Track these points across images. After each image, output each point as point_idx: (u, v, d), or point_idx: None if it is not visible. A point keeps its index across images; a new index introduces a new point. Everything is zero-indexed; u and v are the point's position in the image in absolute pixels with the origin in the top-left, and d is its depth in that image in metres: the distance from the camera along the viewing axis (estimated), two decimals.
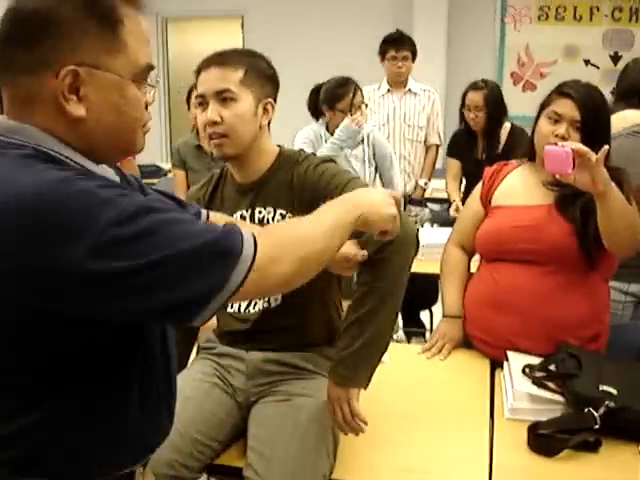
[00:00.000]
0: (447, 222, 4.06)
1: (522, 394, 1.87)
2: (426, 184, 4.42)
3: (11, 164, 1.01)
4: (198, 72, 1.76)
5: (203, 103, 1.74)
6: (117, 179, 1.22)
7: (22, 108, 1.07)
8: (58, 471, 1.12)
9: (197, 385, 1.81)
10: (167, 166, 7.04)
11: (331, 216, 1.22)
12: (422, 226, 3.70)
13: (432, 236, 3.48)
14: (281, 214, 1.79)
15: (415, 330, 3.97)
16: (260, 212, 1.82)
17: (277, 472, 1.55)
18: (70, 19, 1.04)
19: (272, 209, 1.80)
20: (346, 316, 1.67)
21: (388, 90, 4.34)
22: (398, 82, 4.32)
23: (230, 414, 1.78)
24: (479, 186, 2.38)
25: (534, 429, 1.73)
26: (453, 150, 4.17)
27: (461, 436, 1.79)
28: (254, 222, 1.80)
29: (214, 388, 1.82)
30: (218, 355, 1.90)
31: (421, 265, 3.29)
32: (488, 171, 2.39)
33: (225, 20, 8.81)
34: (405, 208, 3.84)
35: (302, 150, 1.87)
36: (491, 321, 2.18)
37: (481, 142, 3.93)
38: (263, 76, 1.77)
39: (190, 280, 1.01)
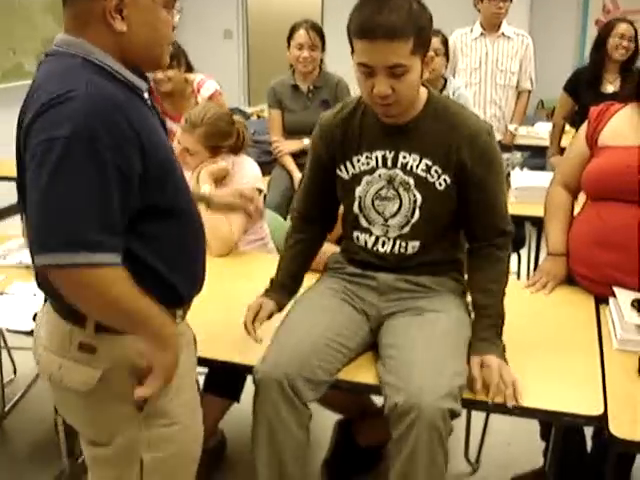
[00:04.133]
0: (536, 168, 4.09)
1: (631, 326, 1.93)
2: (516, 129, 4.42)
3: (63, 67, 1.33)
4: (357, 38, 1.67)
5: (370, 72, 1.68)
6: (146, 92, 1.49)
7: (79, 25, 1.36)
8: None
9: (327, 300, 1.94)
10: (247, 109, 7.16)
11: (156, 322, 1.42)
12: (513, 169, 3.72)
13: (522, 179, 3.52)
14: (427, 164, 1.83)
15: None
16: (405, 157, 1.85)
17: (418, 375, 1.65)
18: None
19: (418, 157, 1.83)
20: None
21: (481, 34, 4.32)
22: (493, 24, 4.29)
23: (360, 327, 1.88)
24: (584, 126, 2.40)
25: None
26: (572, 86, 4.26)
27: (573, 364, 1.87)
28: (396, 166, 1.85)
29: (344, 303, 1.94)
30: (349, 274, 2.00)
31: (513, 207, 3.30)
32: (594, 111, 2.40)
33: None
34: None
35: (456, 102, 1.95)
36: (596, 258, 2.22)
37: (612, 76, 4.03)
38: (426, 34, 1.70)
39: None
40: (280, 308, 1.99)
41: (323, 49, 3.80)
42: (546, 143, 4.60)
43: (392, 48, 1.62)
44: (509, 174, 3.65)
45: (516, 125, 4.41)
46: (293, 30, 3.76)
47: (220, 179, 2.70)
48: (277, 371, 1.72)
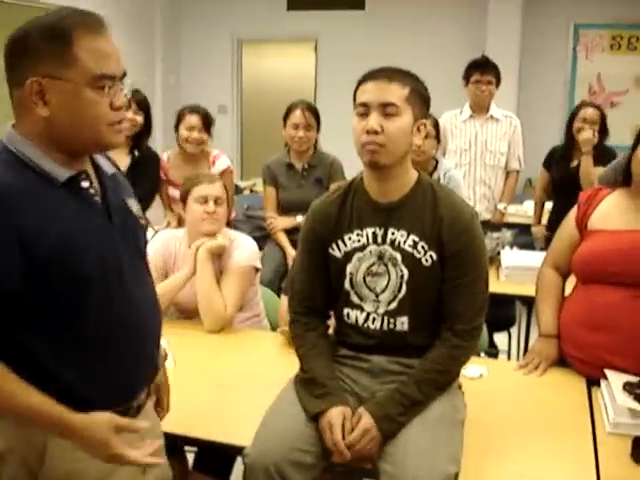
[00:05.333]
0: (526, 245, 4.16)
1: (624, 409, 1.94)
2: (505, 208, 4.50)
3: None
4: (362, 82, 1.87)
5: (364, 113, 1.83)
6: (112, 170, 1.57)
7: (16, 113, 1.41)
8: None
9: None
10: (241, 183, 7.25)
11: (34, 408, 1.34)
12: (503, 248, 3.77)
13: (513, 258, 3.56)
14: (414, 240, 1.88)
15: (491, 351, 4.02)
16: (393, 233, 1.90)
17: (412, 463, 1.66)
18: (34, 43, 1.35)
19: (406, 233, 1.89)
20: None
21: (470, 116, 4.44)
22: (481, 107, 4.41)
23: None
24: (574, 210, 2.46)
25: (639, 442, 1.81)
26: (548, 162, 4.55)
27: (566, 447, 1.87)
28: (385, 242, 1.90)
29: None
30: (341, 356, 2.00)
31: (501, 286, 3.39)
32: (583, 195, 2.46)
33: (299, 43, 9.03)
34: (485, 233, 3.91)
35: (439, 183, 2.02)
36: (587, 340, 2.25)
37: (580, 153, 4.21)
38: (422, 98, 1.89)
39: None
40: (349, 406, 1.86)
41: (318, 129, 3.90)
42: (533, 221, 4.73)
43: (389, 88, 1.82)
44: (499, 253, 3.70)
45: (505, 204, 4.49)
46: (289, 110, 3.87)
47: (218, 255, 2.73)
48: (265, 458, 1.71)
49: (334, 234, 1.95)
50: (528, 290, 3.27)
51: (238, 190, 6.44)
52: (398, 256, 1.89)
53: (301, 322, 2.03)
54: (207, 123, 3.96)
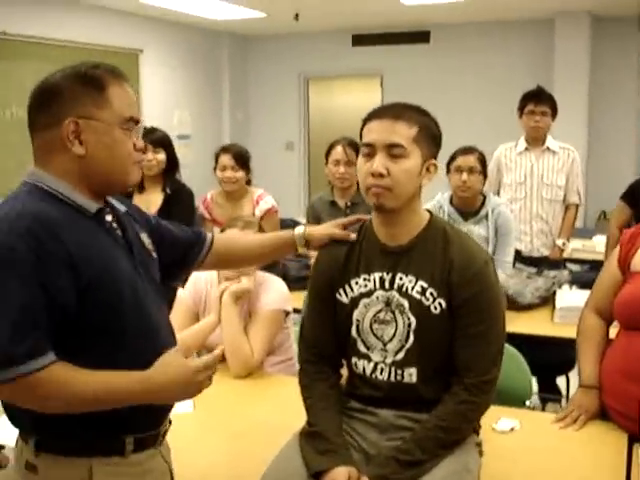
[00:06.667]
0: (588, 284, 3.93)
1: None
2: (564, 244, 4.30)
3: (13, 195, 1.45)
4: (367, 120, 1.78)
5: (370, 153, 1.75)
6: (124, 208, 1.62)
7: (42, 155, 1.48)
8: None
9: None
10: (305, 220, 7.23)
11: (123, 390, 1.44)
12: (560, 287, 3.58)
13: (570, 299, 3.37)
14: (422, 287, 1.77)
15: (551, 397, 3.81)
16: (401, 279, 1.79)
17: None
18: (70, 87, 1.46)
19: (414, 278, 1.78)
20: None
21: (526, 148, 4.28)
22: (536, 138, 4.25)
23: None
24: (617, 250, 2.30)
25: None
26: (630, 196, 4.12)
27: None
28: (393, 288, 1.79)
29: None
30: (349, 409, 1.89)
31: (558, 329, 3.20)
32: (626, 234, 2.30)
33: (364, 79, 9.03)
34: (542, 271, 3.74)
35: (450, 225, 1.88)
36: (630, 393, 2.07)
37: None
38: (432, 136, 1.78)
39: None
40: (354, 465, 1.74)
41: None
42: (603, 257, 4.44)
43: (396, 128, 1.72)
44: (555, 293, 3.51)
45: (564, 240, 4.28)
46: (331, 147, 3.82)
47: (244, 298, 2.67)
48: None
49: (341, 279, 1.86)
50: None
51: None
52: (405, 303, 1.77)
53: (310, 371, 1.92)
54: (241, 160, 3.95)
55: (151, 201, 3.61)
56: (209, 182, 4.41)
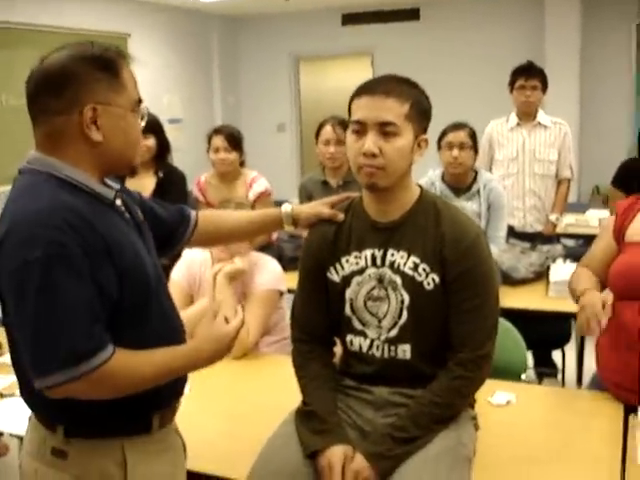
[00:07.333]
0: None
1: None
2: (557, 219, 4.29)
3: (28, 184, 1.40)
4: (356, 96, 1.73)
5: (360, 131, 1.70)
6: (117, 185, 1.56)
7: (52, 142, 1.42)
8: None
9: None
10: (297, 201, 7.22)
11: (179, 364, 1.50)
12: (554, 262, 3.57)
13: (564, 272, 3.35)
14: (414, 262, 1.75)
15: (547, 370, 3.83)
16: (392, 255, 1.77)
17: None
18: (85, 72, 1.40)
19: (406, 254, 1.76)
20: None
21: (517, 123, 4.25)
22: (527, 113, 4.23)
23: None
24: (612, 220, 2.29)
25: None
26: (621, 181, 4.10)
27: (592, 477, 1.73)
28: (384, 264, 1.78)
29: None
30: (344, 387, 1.88)
31: (553, 303, 3.20)
32: (621, 205, 2.30)
33: (355, 58, 8.98)
34: (535, 245, 3.74)
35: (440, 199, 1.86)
36: (625, 363, 2.08)
37: None
38: (423, 111, 1.74)
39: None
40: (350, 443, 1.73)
41: None
42: (597, 231, 4.42)
43: (387, 104, 1.67)
44: (549, 267, 3.51)
45: (557, 215, 4.27)
46: (320, 127, 3.79)
47: (237, 278, 2.67)
48: None
49: (331, 257, 1.85)
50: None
51: None
52: (398, 279, 1.76)
53: (303, 350, 1.92)
54: (234, 142, 3.93)
55: (143, 185, 3.58)
56: (201, 165, 4.39)
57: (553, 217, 4.26)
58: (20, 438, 3.03)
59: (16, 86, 5.95)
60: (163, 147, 3.78)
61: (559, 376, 3.81)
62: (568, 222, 4.81)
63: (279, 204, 2.81)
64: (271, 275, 2.73)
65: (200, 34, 8.51)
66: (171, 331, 1.57)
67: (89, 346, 1.34)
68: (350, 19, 8.40)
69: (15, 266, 1.32)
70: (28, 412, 1.68)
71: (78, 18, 6.63)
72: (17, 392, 2.25)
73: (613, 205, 4.10)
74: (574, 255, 3.96)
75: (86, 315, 1.35)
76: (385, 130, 1.68)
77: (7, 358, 2.60)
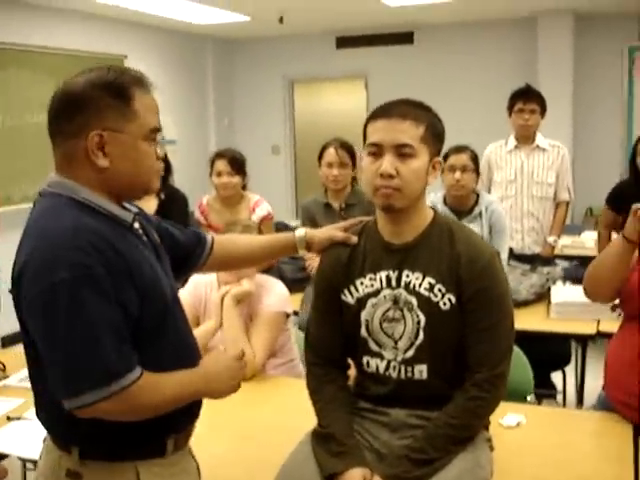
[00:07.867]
0: (579, 279, 3.94)
1: None
2: (555, 241, 4.33)
3: (49, 207, 1.42)
4: (372, 119, 1.77)
5: (377, 153, 1.74)
6: (135, 209, 1.58)
7: (66, 163, 1.45)
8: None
9: None
10: (294, 223, 7.23)
11: (193, 389, 1.52)
12: (554, 283, 3.60)
13: (565, 294, 3.39)
14: (430, 283, 1.76)
15: (546, 392, 3.84)
16: (408, 276, 1.78)
17: None
18: (96, 97, 1.41)
19: (421, 275, 1.77)
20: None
21: (516, 146, 4.30)
22: (525, 136, 4.27)
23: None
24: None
25: None
26: (614, 202, 4.14)
27: None
28: (399, 285, 1.79)
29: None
30: (360, 409, 1.89)
31: (554, 324, 3.23)
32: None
33: (349, 81, 9.04)
34: (535, 267, 3.77)
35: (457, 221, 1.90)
36: (635, 384, 2.09)
37: None
38: (437, 134, 1.79)
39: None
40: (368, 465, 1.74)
41: (354, 166, 3.82)
42: (592, 253, 4.46)
43: (403, 127, 1.71)
44: (549, 289, 3.54)
45: (555, 237, 4.31)
46: (323, 149, 3.80)
47: (244, 301, 2.68)
48: None
49: (345, 280, 1.86)
50: (580, 327, 3.14)
51: (291, 230, 6.39)
52: (414, 300, 1.78)
53: (318, 374, 1.92)
54: (237, 165, 3.96)
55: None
56: (196, 187, 4.41)
57: (551, 239, 4.29)
58: (25, 461, 3.06)
59: (11, 107, 6.01)
60: (165, 169, 3.80)
61: (559, 397, 3.82)
62: (564, 243, 4.85)
63: (276, 226, 2.83)
64: (277, 297, 2.74)
65: (195, 56, 8.55)
66: (187, 349, 1.59)
67: (120, 366, 1.36)
68: (344, 42, 8.46)
69: (41, 288, 1.33)
70: (34, 435, 1.69)
71: (74, 39, 6.64)
72: (25, 415, 2.27)
73: (602, 222, 4.26)
74: (571, 277, 4.01)
75: (115, 335, 1.37)
76: (402, 152, 1.71)
77: (12, 380, 2.63)
